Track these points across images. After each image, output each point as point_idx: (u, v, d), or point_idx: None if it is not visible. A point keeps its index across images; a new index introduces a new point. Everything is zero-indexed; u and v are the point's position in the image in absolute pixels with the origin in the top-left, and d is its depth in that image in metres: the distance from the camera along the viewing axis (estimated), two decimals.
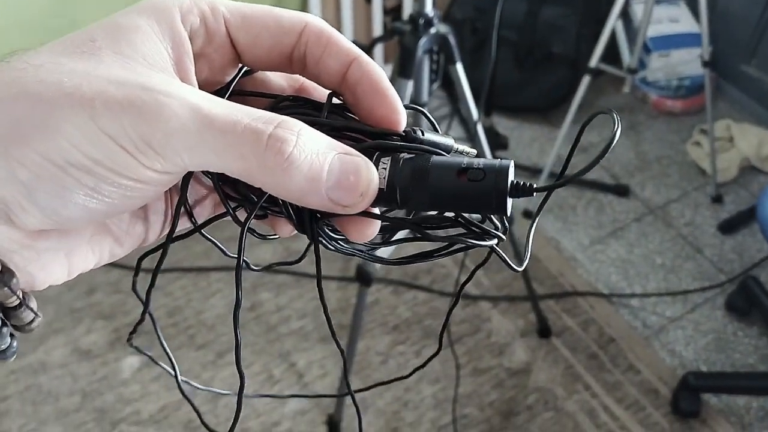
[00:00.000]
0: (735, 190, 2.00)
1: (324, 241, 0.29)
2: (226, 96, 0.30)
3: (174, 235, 0.30)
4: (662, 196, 1.99)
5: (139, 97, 0.23)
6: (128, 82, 0.24)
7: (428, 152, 0.28)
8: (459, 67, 1.12)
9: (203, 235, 0.31)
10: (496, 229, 0.29)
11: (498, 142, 2.02)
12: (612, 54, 2.10)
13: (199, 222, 0.31)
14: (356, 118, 0.30)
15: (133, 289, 0.33)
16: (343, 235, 0.30)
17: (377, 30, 2.18)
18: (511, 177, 0.27)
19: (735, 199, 1.97)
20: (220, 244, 0.34)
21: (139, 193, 0.25)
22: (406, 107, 0.29)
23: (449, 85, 1.25)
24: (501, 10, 1.34)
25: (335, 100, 0.30)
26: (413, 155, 0.28)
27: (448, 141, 0.29)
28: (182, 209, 0.29)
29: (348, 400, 1.47)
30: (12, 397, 1.50)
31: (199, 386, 0.42)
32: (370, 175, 0.27)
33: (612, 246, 1.86)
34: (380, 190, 0.27)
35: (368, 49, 1.20)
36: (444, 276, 1.75)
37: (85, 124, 0.23)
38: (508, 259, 0.29)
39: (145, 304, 0.32)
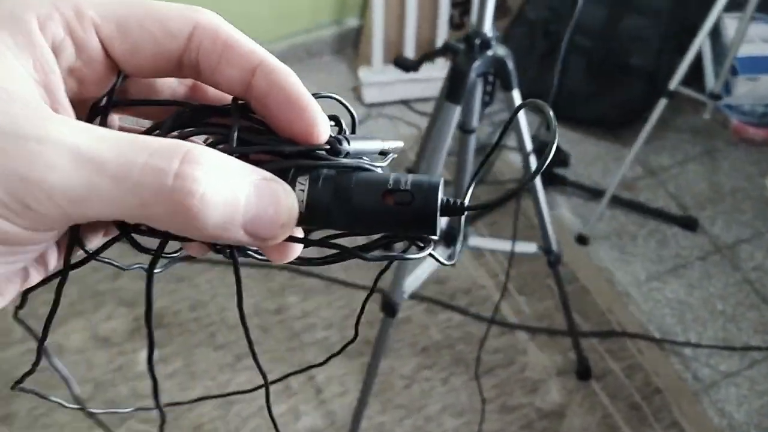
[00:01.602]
0: None
1: (241, 256, 0.27)
2: (108, 111, 0.25)
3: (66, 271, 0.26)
4: (732, 234, 1.82)
5: (4, 149, 0.19)
6: None
7: (351, 168, 0.25)
8: (516, 94, 0.99)
9: (99, 260, 0.27)
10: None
11: (557, 158, 1.88)
12: (693, 72, 1.92)
13: (90, 246, 0.27)
14: (264, 120, 0.26)
15: (15, 317, 0.30)
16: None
17: (443, 25, 2.05)
18: (440, 196, 0.24)
19: None
20: (119, 263, 0.30)
21: (21, 257, 0.22)
22: (315, 96, 0.25)
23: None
24: (578, 14, 1.21)
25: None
26: (334, 171, 0.25)
27: (374, 144, 0.28)
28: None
29: (365, 422, 1.39)
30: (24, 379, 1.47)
31: None
32: (290, 202, 0.23)
33: (671, 284, 1.71)
34: (300, 213, 0.24)
35: (417, 65, 1.08)
36: (483, 299, 1.64)
37: None
38: (440, 259, 0.28)
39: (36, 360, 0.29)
